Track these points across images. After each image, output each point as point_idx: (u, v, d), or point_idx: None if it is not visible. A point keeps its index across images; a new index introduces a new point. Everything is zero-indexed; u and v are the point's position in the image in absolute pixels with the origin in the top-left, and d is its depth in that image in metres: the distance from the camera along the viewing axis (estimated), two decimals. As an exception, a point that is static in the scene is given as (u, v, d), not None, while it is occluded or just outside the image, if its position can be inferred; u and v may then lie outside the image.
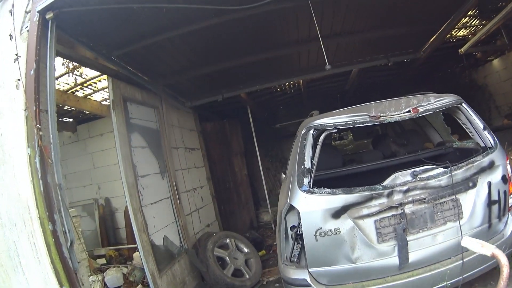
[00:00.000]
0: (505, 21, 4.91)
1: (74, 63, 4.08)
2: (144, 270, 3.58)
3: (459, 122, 2.94)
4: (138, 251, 4.62)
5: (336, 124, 2.59)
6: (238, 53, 4.29)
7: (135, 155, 3.83)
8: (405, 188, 2.43)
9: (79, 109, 5.37)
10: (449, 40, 5.88)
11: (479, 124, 2.79)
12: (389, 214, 2.41)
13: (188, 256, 4.35)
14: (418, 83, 7.82)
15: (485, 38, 5.73)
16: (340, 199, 2.40)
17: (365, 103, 2.78)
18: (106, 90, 5.01)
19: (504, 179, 2.58)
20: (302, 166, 2.53)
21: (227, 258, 4.38)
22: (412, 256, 2.38)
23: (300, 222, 2.42)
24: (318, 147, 2.54)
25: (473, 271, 2.41)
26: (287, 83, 6.93)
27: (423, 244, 2.41)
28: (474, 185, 2.52)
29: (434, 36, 5.02)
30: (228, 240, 4.67)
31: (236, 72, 4.84)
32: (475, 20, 5.80)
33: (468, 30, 6.21)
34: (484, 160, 2.59)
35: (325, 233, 2.38)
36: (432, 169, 2.53)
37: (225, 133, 6.91)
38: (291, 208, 2.49)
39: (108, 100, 5.28)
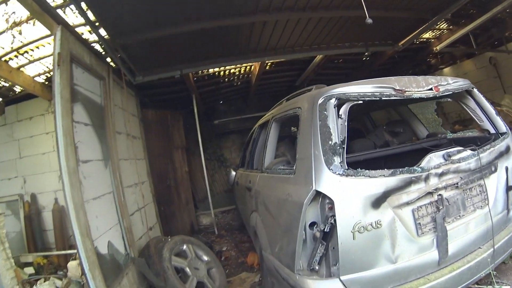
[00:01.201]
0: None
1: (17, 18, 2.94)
2: (84, 285, 2.64)
3: (466, 108, 2.86)
4: (72, 259, 3.62)
5: (362, 94, 2.19)
6: (190, 16, 3.41)
7: (77, 132, 2.87)
8: (440, 171, 2.16)
9: (10, 82, 4.03)
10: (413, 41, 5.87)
11: (491, 110, 2.72)
12: (427, 201, 2.10)
13: (136, 267, 3.45)
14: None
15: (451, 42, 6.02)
16: (381, 183, 1.98)
17: (383, 78, 2.45)
18: (43, 61, 3.82)
19: None
20: (330, 142, 2.03)
21: (187, 268, 3.56)
22: (450, 249, 2.09)
23: (332, 216, 1.91)
24: (344, 121, 2.11)
25: (504, 255, 2.32)
26: (239, 71, 6.40)
27: (458, 234, 2.16)
28: (496, 170, 2.42)
29: (421, 28, 4.92)
30: (185, 247, 3.86)
31: (194, 43, 4.03)
32: (444, 24, 6.00)
33: (434, 33, 6.37)
34: (502, 145, 2.53)
35: (365, 228, 1.90)
36: (461, 151, 2.32)
37: (166, 123, 6.01)
38: (316, 197, 1.97)
39: (44, 76, 4.19)
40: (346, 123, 2.10)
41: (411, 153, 2.99)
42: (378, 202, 1.95)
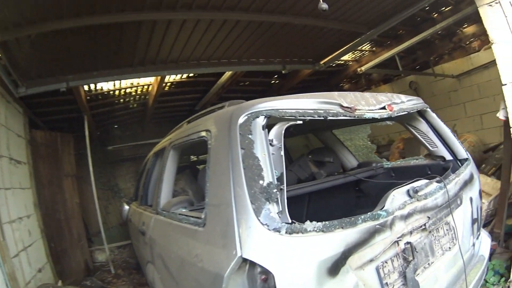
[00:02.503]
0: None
1: None
2: None
3: (415, 132, 2.52)
4: None
5: (301, 111, 1.64)
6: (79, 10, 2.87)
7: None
8: (406, 212, 1.68)
9: None
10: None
11: (449, 133, 2.43)
12: (392, 253, 1.60)
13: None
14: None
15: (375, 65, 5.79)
16: (339, 239, 1.41)
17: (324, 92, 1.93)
18: None
19: (480, 193, 2.31)
20: (261, 182, 1.39)
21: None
22: None
23: None
24: (280, 148, 1.51)
25: None
26: (135, 92, 6.07)
27: (429, 287, 1.74)
28: (461, 202, 2.07)
29: (349, 45, 4.71)
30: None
31: (82, 46, 3.50)
32: (368, 45, 5.99)
33: (354, 55, 6.29)
34: (466, 173, 2.22)
35: None
36: (428, 184, 1.91)
37: (56, 147, 5.26)
38: (242, 266, 1.33)
39: None
40: (282, 152, 1.50)
41: (340, 188, 2.74)
42: (336, 266, 1.37)
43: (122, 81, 5.36)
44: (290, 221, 1.38)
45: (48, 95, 4.86)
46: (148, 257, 2.57)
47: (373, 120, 2.09)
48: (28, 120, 4.72)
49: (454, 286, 1.88)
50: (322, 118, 1.69)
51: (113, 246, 7.02)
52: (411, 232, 1.68)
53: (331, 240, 1.40)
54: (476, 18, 5.68)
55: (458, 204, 2.03)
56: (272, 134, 1.54)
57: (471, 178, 2.23)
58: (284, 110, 1.60)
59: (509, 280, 2.77)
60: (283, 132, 1.53)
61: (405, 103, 2.19)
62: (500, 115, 3.04)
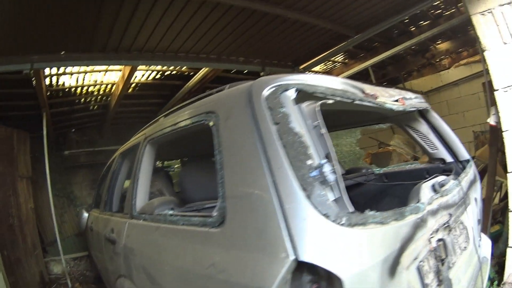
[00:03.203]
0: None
1: None
2: None
3: (413, 134, 2.38)
4: None
5: (331, 90, 1.42)
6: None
7: None
8: (434, 207, 1.50)
9: None
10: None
11: (452, 134, 2.31)
12: (425, 252, 1.39)
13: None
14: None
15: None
16: (394, 233, 1.20)
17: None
18: None
19: (480, 195, 2.22)
20: (309, 162, 1.09)
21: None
22: None
23: None
24: (321, 127, 1.20)
25: None
26: (98, 91, 5.75)
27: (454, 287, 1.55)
28: (469, 203, 1.95)
29: (333, 49, 4.65)
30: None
31: (53, 22, 3.14)
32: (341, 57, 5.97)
33: (326, 66, 6.25)
34: (471, 173, 2.13)
35: None
36: (448, 180, 1.80)
37: (11, 145, 4.75)
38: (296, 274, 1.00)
39: None
40: (323, 130, 1.20)
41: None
42: (394, 266, 1.13)
43: (86, 76, 5.10)
44: (351, 210, 1.11)
45: (4, 85, 4.47)
46: (121, 270, 2.13)
47: (390, 111, 1.92)
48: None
49: (471, 286, 1.75)
50: (350, 100, 1.50)
51: (69, 257, 6.46)
52: (437, 230, 1.49)
53: (389, 233, 1.17)
54: (450, 35, 6.24)
55: (468, 204, 1.91)
56: (309, 112, 1.25)
57: (475, 179, 2.15)
58: (315, 86, 1.37)
59: (502, 283, 2.81)
60: (317, 110, 1.23)
61: (413, 99, 2.07)
62: (491, 120, 3.12)
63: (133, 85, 5.62)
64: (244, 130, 1.25)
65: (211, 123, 1.45)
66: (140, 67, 4.64)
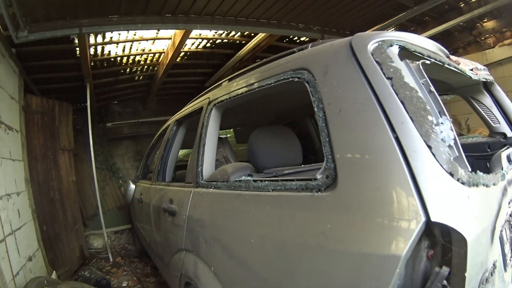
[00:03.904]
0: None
1: None
2: None
3: (477, 106, 2.27)
4: None
5: (427, 50, 1.35)
6: None
7: None
8: (510, 177, 1.39)
9: None
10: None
11: None
12: (504, 220, 1.28)
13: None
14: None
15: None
16: (495, 194, 1.13)
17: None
18: None
19: None
20: (429, 118, 0.97)
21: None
22: None
23: (457, 271, 0.87)
24: (426, 85, 1.11)
25: None
26: (144, 60, 5.42)
27: None
28: None
29: (388, 21, 4.50)
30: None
31: None
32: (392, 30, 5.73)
33: None
34: None
35: (487, 279, 1.01)
36: None
37: (53, 117, 4.56)
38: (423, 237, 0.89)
39: None
40: (432, 88, 1.11)
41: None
42: (493, 231, 1.06)
43: (133, 45, 4.73)
44: (470, 168, 1.03)
45: (48, 56, 4.23)
46: (183, 243, 1.99)
47: (470, 80, 1.89)
48: (24, 84, 4.04)
49: None
50: (441, 64, 1.43)
51: (110, 230, 6.42)
52: (509, 202, 1.34)
53: (493, 196, 1.11)
54: (496, 14, 6.21)
55: None
56: (415, 69, 1.16)
57: None
58: (415, 45, 1.28)
59: None
60: (422, 67, 1.16)
61: (482, 71, 2.03)
62: None
63: (182, 54, 5.28)
64: (352, 85, 1.12)
65: (304, 80, 1.32)
66: (191, 34, 4.30)
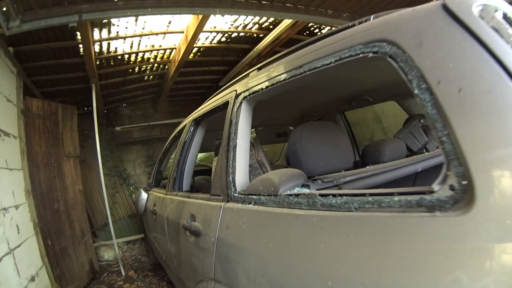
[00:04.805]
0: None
1: None
2: None
3: None
4: None
5: None
6: None
7: None
8: None
9: None
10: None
11: None
12: None
13: None
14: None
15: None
16: None
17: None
18: None
19: None
20: None
21: None
22: None
23: None
24: None
25: None
26: (154, 58, 5.04)
27: None
28: None
29: None
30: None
31: None
32: None
33: None
34: None
35: None
36: None
37: (56, 121, 4.19)
38: None
39: None
40: None
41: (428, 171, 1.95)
42: None
43: (141, 41, 4.35)
44: None
45: (49, 55, 3.88)
46: (214, 273, 1.53)
47: None
48: (23, 87, 3.68)
49: None
50: None
51: (121, 241, 6.05)
52: None
53: None
54: None
55: None
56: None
57: None
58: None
59: None
60: None
61: None
62: None
63: (195, 50, 4.89)
64: (469, 57, 0.80)
65: (385, 55, 0.97)
66: (205, 27, 3.87)
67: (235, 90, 1.77)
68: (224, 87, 2.14)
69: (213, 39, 4.71)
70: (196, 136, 2.56)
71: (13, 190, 3.06)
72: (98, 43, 4.13)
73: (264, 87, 1.47)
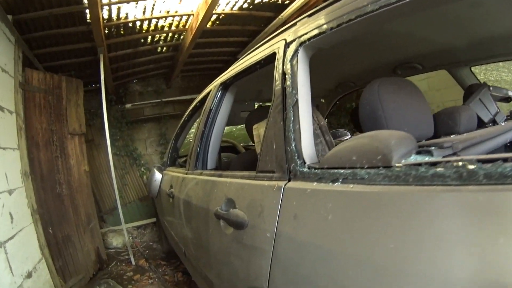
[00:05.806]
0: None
1: None
2: None
3: None
4: None
5: None
6: None
7: None
8: None
9: None
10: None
11: None
12: None
13: None
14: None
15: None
16: None
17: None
18: None
19: None
20: None
21: None
22: None
23: None
24: None
25: None
26: (169, 27, 4.50)
27: None
28: None
29: None
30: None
31: None
32: None
33: None
34: None
35: None
36: None
37: (60, 96, 3.73)
38: None
39: None
40: None
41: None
42: None
43: (156, 5, 3.80)
44: None
45: (52, 23, 3.41)
46: (269, 281, 1.06)
47: None
48: (23, 58, 3.22)
49: None
50: None
51: (130, 226, 5.70)
52: None
53: None
54: None
55: None
56: None
57: None
58: None
59: None
60: None
61: None
62: None
63: (213, 17, 4.36)
64: None
65: None
66: None
67: (284, 39, 1.38)
68: (257, 45, 1.72)
69: (234, 5, 4.15)
70: (224, 104, 2.14)
71: (6, 172, 2.64)
72: (107, 7, 3.60)
73: (329, 28, 1.08)
